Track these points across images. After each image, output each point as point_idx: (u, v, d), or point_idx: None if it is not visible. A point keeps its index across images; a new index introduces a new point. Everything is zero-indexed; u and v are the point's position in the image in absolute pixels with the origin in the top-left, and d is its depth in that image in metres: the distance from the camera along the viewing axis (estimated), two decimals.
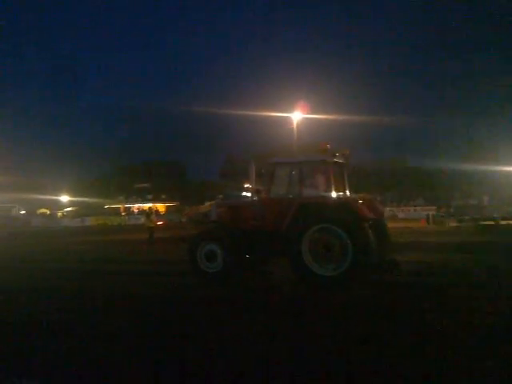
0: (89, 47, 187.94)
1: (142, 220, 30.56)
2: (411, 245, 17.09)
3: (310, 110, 42.43)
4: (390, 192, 49.33)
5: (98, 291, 10.42)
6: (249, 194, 12.48)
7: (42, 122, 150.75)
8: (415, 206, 41.04)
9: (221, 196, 30.30)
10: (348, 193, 11.10)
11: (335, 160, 10.52)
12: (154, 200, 69.23)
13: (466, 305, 7.75)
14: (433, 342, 5.93)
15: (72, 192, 74.85)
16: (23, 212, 64.05)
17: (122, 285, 11.35)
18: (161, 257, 16.80)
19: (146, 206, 60.74)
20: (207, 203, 26.57)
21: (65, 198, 74.70)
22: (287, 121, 41.68)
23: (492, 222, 27.72)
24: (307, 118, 42.30)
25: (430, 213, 34.34)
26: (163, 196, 76.07)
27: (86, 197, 68.23)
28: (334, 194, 10.07)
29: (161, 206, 66.35)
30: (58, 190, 75.04)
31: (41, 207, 69.28)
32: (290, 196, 10.39)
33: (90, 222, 54.21)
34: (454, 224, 29.53)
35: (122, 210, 68.25)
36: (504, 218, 28.82)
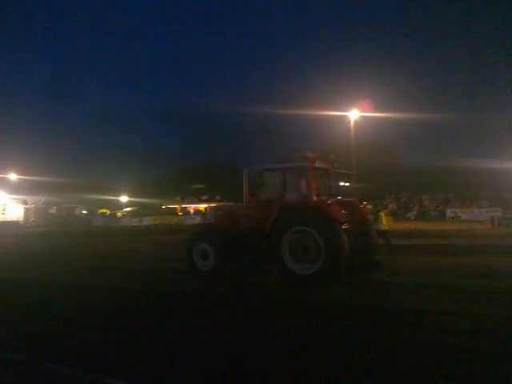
0: (149, 49, 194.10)
1: (198, 220, 30.87)
2: (473, 248, 16.42)
3: (372, 108, 41.37)
4: (453, 192, 47.22)
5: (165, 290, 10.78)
6: None
7: (105, 126, 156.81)
8: (479, 207, 38.96)
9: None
10: (333, 197, 11.77)
11: (316, 166, 11.23)
12: (208, 200, 70.08)
13: None
14: None
15: (131, 193, 77.23)
16: (85, 212, 66.70)
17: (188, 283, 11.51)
18: None
19: (202, 206, 61.67)
20: None
21: (124, 199, 77.20)
22: (344, 119, 40.78)
23: None
24: (364, 117, 41.25)
25: (496, 214, 32.41)
26: (218, 197, 76.90)
27: (144, 197, 70.12)
28: (313, 198, 10.74)
29: None
30: (118, 191, 77.70)
31: (101, 207, 71.85)
32: (275, 200, 11.08)
33: (149, 221, 55.56)
34: None
35: (178, 210, 69.51)
36: None
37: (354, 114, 39.18)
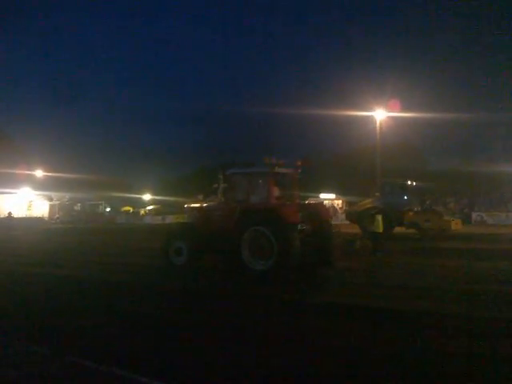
0: (172, 48, 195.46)
1: None
2: (496, 252, 15.95)
3: (400, 108, 40.56)
4: (479, 196, 46.12)
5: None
6: None
7: (129, 124, 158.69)
8: (508, 212, 37.91)
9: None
10: (296, 199, 12.89)
11: (277, 171, 12.10)
12: None
13: None
14: None
15: (154, 191, 77.79)
16: (109, 209, 67.45)
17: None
18: None
19: None
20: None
21: (147, 197, 77.85)
22: (369, 120, 40.02)
23: None
24: (391, 117, 40.44)
25: None
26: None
27: (167, 196, 70.50)
28: (272, 201, 11.85)
29: None
30: (141, 189, 78.39)
31: (125, 205, 72.52)
32: (240, 202, 12.22)
33: (171, 219, 55.80)
34: None
35: None
36: None
37: (379, 115, 38.51)
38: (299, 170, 12.92)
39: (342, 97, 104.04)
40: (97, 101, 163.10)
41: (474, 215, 39.01)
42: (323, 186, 50.47)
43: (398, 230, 23.44)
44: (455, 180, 52.60)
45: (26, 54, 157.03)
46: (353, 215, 25.20)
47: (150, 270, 14.01)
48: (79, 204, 63.04)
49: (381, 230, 15.98)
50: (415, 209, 24.52)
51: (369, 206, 23.67)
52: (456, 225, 23.64)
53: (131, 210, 70.25)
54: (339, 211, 41.75)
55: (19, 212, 48.80)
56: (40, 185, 60.38)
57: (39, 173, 63.47)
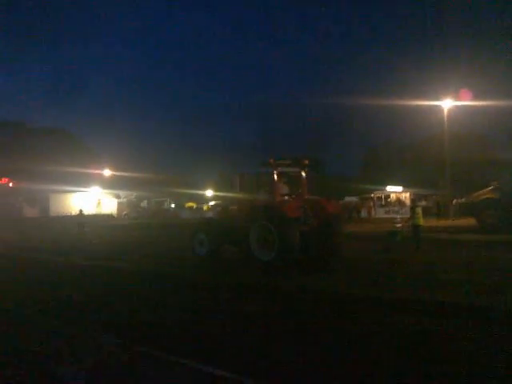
0: (235, 43, 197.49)
1: None
2: None
3: (470, 97, 38.41)
4: None
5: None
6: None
7: (193, 123, 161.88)
8: None
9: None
10: (303, 196, 13.84)
11: (282, 171, 13.46)
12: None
13: None
14: None
15: (216, 187, 78.55)
16: (173, 205, 68.92)
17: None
18: None
19: None
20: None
21: (209, 193, 78.85)
22: (436, 110, 38.40)
23: None
24: (460, 107, 38.45)
25: None
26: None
27: (228, 192, 70.83)
28: (276, 198, 13.06)
29: None
30: (203, 186, 79.49)
31: (189, 201, 73.81)
32: (251, 199, 13.82)
33: None
34: None
35: None
36: None
37: (447, 104, 36.61)
38: (306, 169, 14.00)
39: (406, 87, 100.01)
40: (160, 101, 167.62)
41: None
42: (390, 179, 48.81)
43: None
44: None
45: (94, 58, 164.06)
46: (468, 207, 23.25)
47: (201, 263, 14.40)
48: (145, 201, 64.84)
49: (421, 223, 15.24)
50: None
51: (487, 196, 21.79)
52: None
53: (194, 205, 71.36)
54: (407, 204, 40.13)
55: (89, 209, 50.74)
56: (108, 183, 62.63)
57: (107, 172, 65.90)
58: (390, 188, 45.74)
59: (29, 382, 5.09)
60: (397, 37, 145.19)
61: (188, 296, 9.68)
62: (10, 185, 56.96)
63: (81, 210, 28.35)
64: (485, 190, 22.90)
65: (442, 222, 28.73)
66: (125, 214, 58.83)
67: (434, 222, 27.90)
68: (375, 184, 47.99)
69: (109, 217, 54.01)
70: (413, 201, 19.25)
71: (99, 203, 57.51)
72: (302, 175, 14.09)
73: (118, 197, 61.54)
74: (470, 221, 22.26)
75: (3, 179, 56.95)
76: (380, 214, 42.32)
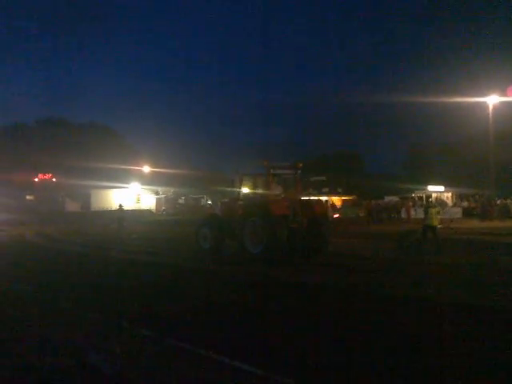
0: (277, 39, 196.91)
1: None
2: None
3: None
4: None
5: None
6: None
7: (230, 122, 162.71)
8: None
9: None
10: (296, 196, 15.10)
11: (275, 173, 14.80)
12: (329, 193, 68.67)
13: None
14: None
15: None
16: (210, 202, 69.44)
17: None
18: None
19: (322, 199, 60.55)
20: None
21: (246, 190, 79.04)
22: (481, 106, 37.13)
23: None
24: (505, 103, 37.03)
25: None
26: (339, 189, 74.97)
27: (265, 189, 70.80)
28: (267, 197, 14.39)
29: (337, 200, 65.42)
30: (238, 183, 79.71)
31: (224, 198, 74.10)
32: (247, 198, 15.36)
33: None
34: None
35: None
36: None
37: (493, 100, 35.26)
38: (299, 171, 15.15)
39: (451, 83, 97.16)
40: (200, 100, 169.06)
41: None
42: (432, 178, 47.50)
43: None
44: None
45: (136, 57, 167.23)
46: None
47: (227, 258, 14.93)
48: (183, 197, 65.57)
49: (435, 224, 14.83)
50: None
51: None
52: None
53: None
54: (449, 205, 38.91)
55: (129, 204, 51.70)
56: (147, 180, 63.75)
57: (146, 169, 67.10)
58: (431, 188, 44.54)
59: (72, 372, 5.12)
60: (442, 32, 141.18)
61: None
62: (53, 180, 58.82)
63: (120, 205, 28.83)
64: None
65: (486, 224, 27.72)
66: (163, 210, 59.64)
67: (476, 224, 26.96)
68: (417, 183, 46.79)
69: (148, 212, 54.90)
70: (427, 201, 18.91)
71: (138, 199, 58.53)
72: (294, 177, 15.48)
73: (156, 193, 62.45)
74: None
75: (47, 175, 58.88)
76: (420, 214, 41.14)
